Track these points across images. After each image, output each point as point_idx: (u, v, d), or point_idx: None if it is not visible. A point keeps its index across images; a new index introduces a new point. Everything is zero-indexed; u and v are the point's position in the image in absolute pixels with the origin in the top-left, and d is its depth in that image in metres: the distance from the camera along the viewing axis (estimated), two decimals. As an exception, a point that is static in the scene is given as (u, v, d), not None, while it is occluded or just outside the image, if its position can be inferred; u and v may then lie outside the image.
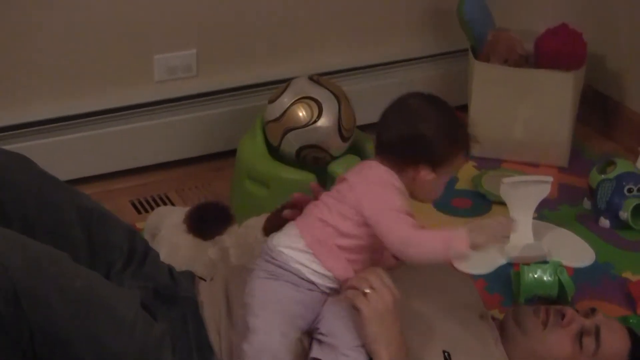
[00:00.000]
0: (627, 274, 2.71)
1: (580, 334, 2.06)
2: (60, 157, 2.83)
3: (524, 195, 2.74)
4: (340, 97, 2.78)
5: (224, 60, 3.08)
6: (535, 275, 2.52)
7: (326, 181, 2.81)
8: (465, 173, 3.11)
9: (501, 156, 3.20)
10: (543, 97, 3.16)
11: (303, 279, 1.87)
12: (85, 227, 2.05)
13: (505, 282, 2.61)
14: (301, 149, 2.76)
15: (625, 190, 2.87)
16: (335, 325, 1.87)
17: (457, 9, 3.22)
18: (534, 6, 3.51)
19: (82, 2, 2.81)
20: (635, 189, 2.87)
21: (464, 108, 3.31)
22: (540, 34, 3.21)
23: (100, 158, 2.97)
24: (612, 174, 2.91)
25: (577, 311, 2.12)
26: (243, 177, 2.80)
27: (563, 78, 3.13)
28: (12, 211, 1.99)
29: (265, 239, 2.42)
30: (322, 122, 2.74)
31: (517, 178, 2.78)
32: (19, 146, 2.71)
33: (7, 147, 2.14)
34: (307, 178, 2.72)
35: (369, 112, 3.17)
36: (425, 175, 1.86)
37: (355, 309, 1.84)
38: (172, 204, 2.93)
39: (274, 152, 2.80)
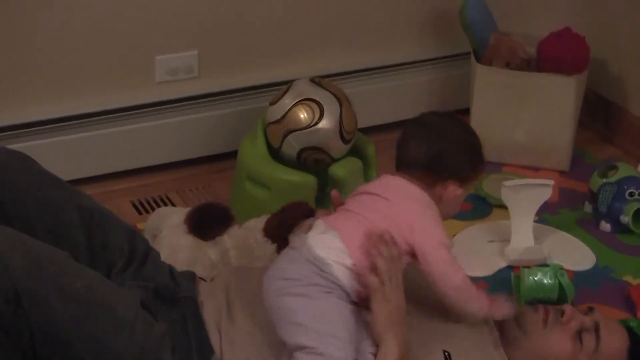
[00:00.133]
0: (628, 278, 2.71)
1: (580, 332, 2.07)
2: (61, 158, 2.83)
3: (524, 198, 2.74)
4: (341, 99, 2.78)
5: (225, 62, 3.08)
6: (536, 278, 2.52)
7: (327, 183, 2.82)
8: (466, 176, 3.11)
9: (502, 160, 3.20)
10: (545, 101, 3.16)
11: (348, 293, 1.89)
12: (85, 227, 2.05)
13: (506, 285, 2.60)
14: (302, 150, 2.76)
15: (626, 194, 2.87)
16: None
17: (459, 12, 3.22)
18: (536, 10, 3.51)
19: (83, 2, 2.81)
20: (636, 193, 2.87)
21: (466, 111, 3.31)
22: (542, 37, 3.21)
23: (101, 159, 2.97)
24: (613, 178, 2.91)
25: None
26: (244, 178, 2.80)
27: (565, 82, 3.12)
28: (12, 211, 2.00)
29: (265, 240, 2.45)
30: (323, 124, 2.74)
31: (518, 181, 2.78)
32: (19, 146, 2.70)
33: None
34: (308, 180, 2.73)
35: (370, 114, 3.21)
36: (454, 190, 1.96)
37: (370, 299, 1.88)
38: (173, 205, 2.93)
39: (275, 154, 2.80)
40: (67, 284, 1.82)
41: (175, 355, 1.90)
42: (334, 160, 2.80)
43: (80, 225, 2.05)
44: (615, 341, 2.10)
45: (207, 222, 2.48)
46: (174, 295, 2.04)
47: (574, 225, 2.94)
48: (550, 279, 2.52)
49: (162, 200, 2.98)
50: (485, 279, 2.66)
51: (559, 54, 3.11)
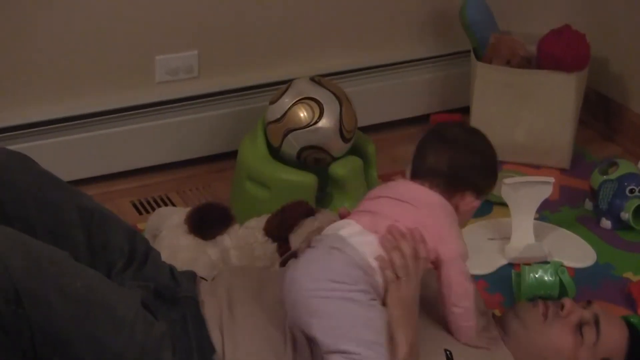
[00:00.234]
0: (628, 275, 2.71)
1: (581, 325, 2.08)
2: (60, 158, 2.82)
3: (525, 196, 2.74)
4: (341, 98, 2.78)
5: (225, 62, 3.08)
6: (536, 276, 2.52)
7: (327, 183, 2.81)
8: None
9: (503, 158, 3.18)
10: (545, 98, 3.16)
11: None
12: (85, 228, 2.05)
13: (506, 282, 2.61)
14: (302, 150, 2.76)
15: (627, 191, 2.87)
16: None
17: (459, 12, 3.21)
18: (536, 9, 3.51)
19: (83, 2, 2.81)
20: (637, 189, 2.87)
21: (466, 110, 3.31)
22: (543, 35, 3.21)
23: (101, 159, 2.97)
24: (614, 175, 2.91)
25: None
26: (244, 178, 2.80)
27: (565, 79, 3.12)
28: (12, 211, 1.99)
29: (266, 239, 2.45)
30: (323, 123, 2.74)
31: (518, 179, 2.78)
32: (19, 147, 2.70)
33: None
34: (308, 179, 2.73)
35: (370, 113, 3.21)
36: (471, 202, 1.99)
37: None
38: (173, 205, 2.93)
39: (275, 153, 2.80)
40: (67, 283, 1.81)
41: (175, 355, 1.89)
42: (334, 159, 2.79)
43: (81, 225, 2.05)
44: (615, 333, 2.11)
45: (207, 222, 2.48)
46: (175, 295, 2.04)
47: (575, 223, 2.94)
48: (551, 277, 2.52)
49: (162, 200, 2.98)
50: (486, 276, 2.66)
51: (559, 52, 3.10)
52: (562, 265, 2.56)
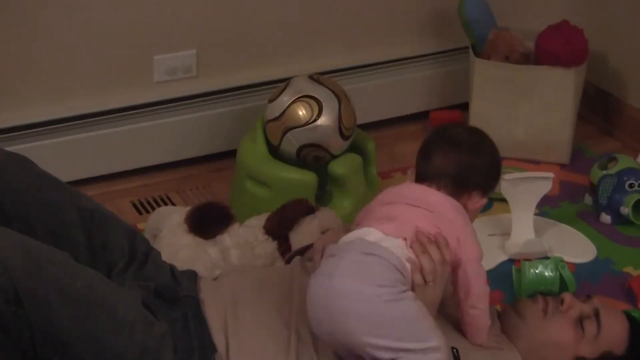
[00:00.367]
0: (629, 269, 2.71)
1: (581, 319, 2.09)
2: (59, 159, 2.83)
3: (524, 191, 2.74)
4: (340, 96, 2.78)
5: (223, 61, 3.08)
6: (537, 271, 2.52)
7: (327, 181, 2.81)
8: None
9: (502, 154, 3.14)
10: (544, 94, 3.16)
11: None
12: (85, 228, 2.05)
13: (507, 278, 2.60)
14: (301, 148, 2.75)
15: (626, 186, 2.87)
16: None
17: (458, 9, 3.22)
18: (534, 5, 3.51)
19: (81, 2, 2.81)
20: (636, 184, 2.87)
21: (465, 106, 3.31)
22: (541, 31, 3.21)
23: (101, 159, 2.97)
24: (613, 169, 2.91)
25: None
26: (243, 177, 2.80)
27: (564, 75, 3.12)
28: (12, 211, 2.00)
29: (266, 238, 2.45)
30: (322, 121, 2.73)
31: (517, 175, 2.78)
32: (18, 148, 2.71)
33: (7, 149, 2.15)
34: (308, 178, 2.73)
35: (369, 110, 3.21)
36: (478, 201, 2.01)
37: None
38: (173, 205, 2.93)
39: (275, 152, 2.80)
40: (67, 284, 1.81)
41: (177, 354, 1.89)
42: (334, 157, 2.79)
43: (80, 226, 2.05)
44: (616, 326, 2.11)
45: (207, 221, 2.48)
46: (175, 295, 2.04)
47: (575, 218, 2.95)
48: (551, 272, 2.52)
49: (162, 200, 2.98)
50: (487, 272, 2.65)
51: (557, 47, 3.10)
52: (562, 260, 2.56)
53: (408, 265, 1.86)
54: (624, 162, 2.93)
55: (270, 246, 2.46)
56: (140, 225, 2.68)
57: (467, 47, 3.26)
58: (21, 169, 2.05)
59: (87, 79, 2.90)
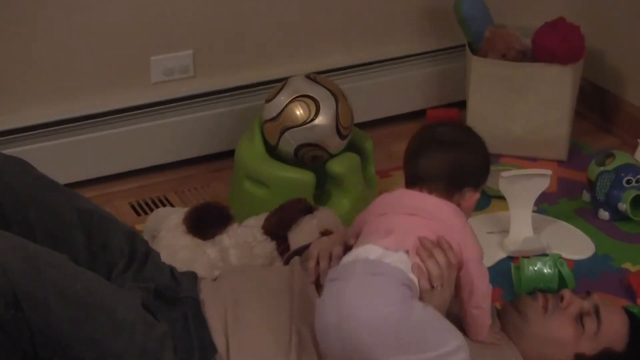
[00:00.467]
0: (627, 266, 2.72)
1: (581, 315, 2.08)
2: (57, 161, 2.83)
3: (523, 188, 2.74)
4: (337, 95, 2.78)
5: (220, 61, 3.08)
6: (535, 268, 2.52)
7: (325, 180, 2.82)
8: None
9: (500, 151, 3.20)
10: (541, 91, 3.16)
11: None
12: (85, 230, 2.05)
13: (506, 276, 2.61)
14: (299, 147, 2.75)
15: (624, 182, 2.87)
16: None
17: (454, 7, 3.21)
18: (531, 2, 3.51)
19: (78, 3, 2.81)
20: (634, 180, 2.87)
21: (462, 104, 3.31)
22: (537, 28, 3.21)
23: (98, 161, 2.97)
24: (611, 166, 2.91)
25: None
26: (242, 177, 2.80)
27: (561, 72, 3.12)
28: (11, 214, 2.00)
29: (265, 238, 2.45)
30: (319, 120, 2.73)
31: (515, 172, 2.78)
32: (15, 151, 2.72)
33: (4, 152, 2.15)
34: (306, 177, 2.73)
35: (366, 109, 3.21)
36: (472, 197, 1.99)
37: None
38: (172, 206, 2.93)
39: (272, 151, 2.80)
40: (67, 286, 1.81)
41: (177, 354, 1.89)
42: (332, 156, 2.79)
43: (80, 227, 2.05)
44: (616, 322, 2.11)
45: (205, 222, 2.48)
46: (175, 295, 2.04)
47: (573, 215, 2.95)
48: (550, 269, 2.52)
49: (160, 201, 2.98)
50: (486, 270, 2.67)
51: (553, 44, 3.10)
52: (560, 257, 2.56)
53: (413, 277, 1.85)
54: (621, 158, 2.93)
55: (269, 246, 2.46)
56: (138, 227, 2.68)
57: (463, 45, 3.26)
58: (20, 171, 2.06)
59: (84, 81, 2.90)
